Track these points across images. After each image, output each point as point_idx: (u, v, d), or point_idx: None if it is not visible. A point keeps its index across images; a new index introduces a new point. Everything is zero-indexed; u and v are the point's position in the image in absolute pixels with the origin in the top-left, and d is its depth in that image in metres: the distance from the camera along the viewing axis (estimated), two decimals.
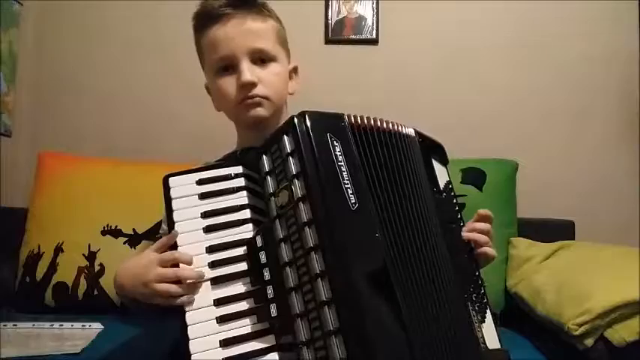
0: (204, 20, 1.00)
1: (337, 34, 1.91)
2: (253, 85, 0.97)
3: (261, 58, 1.00)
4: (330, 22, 1.90)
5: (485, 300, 0.88)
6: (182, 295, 0.74)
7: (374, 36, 1.90)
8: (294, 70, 1.10)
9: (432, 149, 0.95)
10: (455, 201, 0.95)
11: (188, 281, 0.75)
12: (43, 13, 1.94)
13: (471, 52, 1.90)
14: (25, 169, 1.81)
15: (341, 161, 0.74)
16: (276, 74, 1.01)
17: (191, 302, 0.74)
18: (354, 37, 1.91)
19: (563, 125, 1.87)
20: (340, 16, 1.91)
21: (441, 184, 0.93)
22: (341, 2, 1.91)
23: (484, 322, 0.84)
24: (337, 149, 0.75)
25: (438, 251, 0.82)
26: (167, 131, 1.90)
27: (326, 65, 1.85)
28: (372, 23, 1.90)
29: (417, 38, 1.91)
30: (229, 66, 0.99)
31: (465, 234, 0.91)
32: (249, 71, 0.97)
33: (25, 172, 1.79)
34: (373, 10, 1.90)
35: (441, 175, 0.95)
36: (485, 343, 0.80)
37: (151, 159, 1.71)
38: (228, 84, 0.99)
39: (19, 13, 1.89)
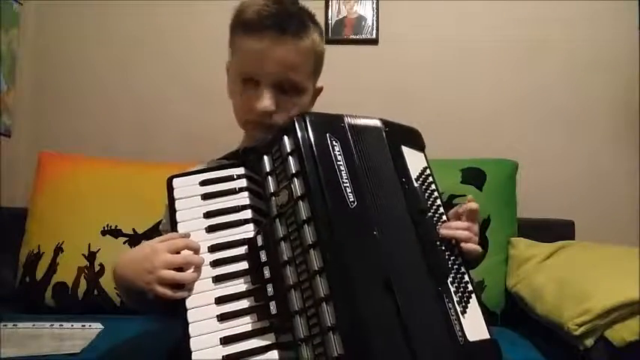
0: (247, 24, 0.93)
1: (337, 34, 1.91)
2: (270, 113, 0.93)
3: (287, 88, 0.94)
4: (330, 22, 1.90)
5: (468, 289, 0.86)
6: (186, 285, 0.75)
7: (374, 36, 1.90)
8: (318, 92, 1.06)
9: (403, 137, 0.93)
10: (433, 187, 0.93)
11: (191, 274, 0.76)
12: (43, 13, 1.94)
13: (470, 53, 1.90)
14: (25, 169, 1.81)
15: (340, 161, 0.76)
16: (297, 106, 0.96)
17: (192, 296, 0.74)
18: (354, 37, 1.91)
19: (564, 125, 1.87)
20: (340, 16, 1.91)
21: (416, 172, 0.91)
22: (341, 2, 1.91)
23: (466, 312, 0.83)
24: (336, 149, 0.77)
25: (410, 246, 0.82)
26: (167, 131, 1.91)
27: (326, 65, 1.84)
28: (372, 23, 1.90)
29: (417, 38, 1.91)
30: (253, 81, 0.94)
31: (443, 232, 0.88)
32: (269, 99, 0.92)
33: (25, 172, 1.79)
34: (373, 10, 1.90)
35: (417, 162, 0.93)
36: (465, 336, 0.79)
37: (151, 159, 1.72)
38: (246, 97, 0.95)
39: (19, 13, 1.89)
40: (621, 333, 1.09)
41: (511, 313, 1.50)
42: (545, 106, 1.88)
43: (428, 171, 0.94)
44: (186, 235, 0.79)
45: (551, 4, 1.88)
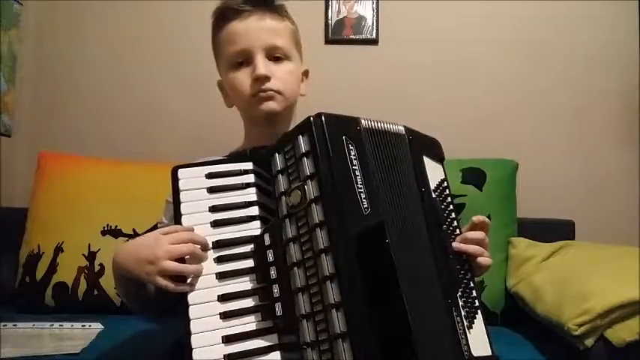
0: (224, 15, 1.04)
1: (337, 34, 1.90)
2: (267, 78, 0.99)
3: (275, 55, 1.02)
4: (330, 22, 1.90)
5: (475, 304, 0.87)
6: (188, 278, 0.74)
7: (374, 36, 1.90)
8: (305, 74, 1.13)
9: (425, 146, 0.93)
10: (449, 200, 0.93)
11: (190, 271, 0.74)
12: (43, 13, 1.94)
13: (470, 52, 1.90)
14: (25, 169, 1.81)
15: (355, 165, 0.74)
16: (289, 72, 1.04)
17: (193, 289, 0.73)
18: (354, 37, 1.91)
19: (563, 125, 1.87)
20: (340, 16, 1.91)
21: (434, 183, 0.91)
22: (341, 2, 1.91)
23: (472, 327, 0.83)
24: (352, 153, 0.75)
25: (424, 258, 0.81)
26: (167, 131, 1.90)
27: (326, 65, 1.85)
28: (372, 23, 1.90)
29: (417, 38, 1.91)
30: (245, 60, 1.01)
31: (456, 245, 0.89)
32: (263, 65, 0.99)
33: (25, 172, 1.79)
34: (373, 10, 1.90)
35: (435, 173, 0.93)
36: (469, 350, 0.80)
37: (151, 159, 1.71)
38: (242, 77, 1.01)
39: (19, 13, 1.89)
40: (621, 333, 1.09)
41: (511, 313, 1.50)
42: (545, 107, 1.88)
43: (445, 183, 0.94)
44: (190, 229, 0.77)
45: (552, 4, 1.88)
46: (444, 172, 0.96)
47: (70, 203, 1.58)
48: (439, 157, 0.97)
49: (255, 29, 1.01)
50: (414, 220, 0.82)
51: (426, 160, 0.91)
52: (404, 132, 0.88)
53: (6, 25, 1.81)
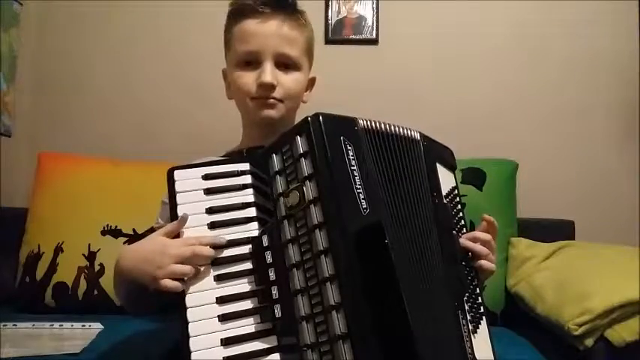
0: (242, 10, 1.02)
1: (337, 34, 1.90)
2: (272, 87, 0.99)
3: (285, 63, 1.02)
4: (330, 22, 1.90)
5: (480, 310, 0.87)
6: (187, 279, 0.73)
7: (374, 36, 1.90)
8: (312, 82, 1.13)
9: (438, 154, 0.94)
10: (459, 207, 0.94)
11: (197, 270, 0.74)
12: (43, 13, 1.94)
13: (470, 52, 1.90)
14: (25, 169, 1.81)
15: (354, 166, 0.74)
16: (296, 81, 1.03)
17: (192, 294, 0.73)
18: (354, 37, 1.91)
19: (564, 125, 1.87)
20: (340, 16, 1.91)
21: (445, 190, 0.91)
22: (341, 2, 1.91)
23: (476, 332, 0.84)
24: (350, 153, 0.74)
25: (431, 260, 0.81)
26: (167, 131, 1.90)
27: (326, 65, 1.84)
28: (372, 23, 1.90)
29: (417, 38, 1.91)
30: (253, 61, 1.01)
31: (463, 241, 0.89)
32: (270, 73, 0.99)
33: (25, 172, 1.79)
34: (373, 10, 1.90)
35: (447, 180, 0.94)
36: (473, 354, 0.80)
37: (151, 159, 1.71)
38: (248, 78, 1.01)
39: (19, 13, 1.89)
40: (621, 333, 1.10)
41: (511, 313, 1.50)
42: (545, 106, 1.88)
43: (456, 191, 0.95)
44: (185, 220, 0.76)
45: (552, 5, 1.87)
46: (455, 181, 0.97)
47: (70, 203, 1.58)
48: (451, 166, 0.98)
49: (271, 34, 0.99)
50: (422, 223, 0.82)
51: (438, 167, 0.92)
52: (419, 138, 0.88)
53: (6, 25, 1.81)
